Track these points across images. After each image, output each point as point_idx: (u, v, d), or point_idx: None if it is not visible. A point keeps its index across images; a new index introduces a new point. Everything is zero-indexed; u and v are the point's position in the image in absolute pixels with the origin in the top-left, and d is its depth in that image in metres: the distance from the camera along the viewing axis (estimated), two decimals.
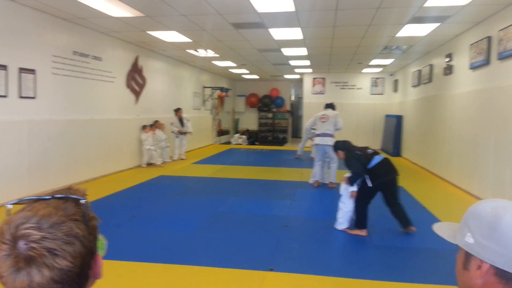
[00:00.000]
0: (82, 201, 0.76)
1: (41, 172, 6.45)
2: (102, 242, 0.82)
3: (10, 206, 0.73)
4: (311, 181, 7.74)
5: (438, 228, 0.95)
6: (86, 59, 7.56)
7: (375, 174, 4.68)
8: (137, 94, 9.64)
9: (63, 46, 6.91)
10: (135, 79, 9.54)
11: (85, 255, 0.73)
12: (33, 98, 6.24)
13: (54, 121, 6.74)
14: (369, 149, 4.95)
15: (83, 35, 7.45)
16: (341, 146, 5.08)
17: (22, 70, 5.97)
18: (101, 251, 0.80)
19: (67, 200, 0.75)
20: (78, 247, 0.71)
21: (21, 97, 6.00)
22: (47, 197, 0.74)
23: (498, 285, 0.79)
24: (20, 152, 6.02)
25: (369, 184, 4.65)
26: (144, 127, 9.73)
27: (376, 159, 4.73)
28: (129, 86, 9.25)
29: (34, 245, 0.67)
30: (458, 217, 0.90)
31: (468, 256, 0.85)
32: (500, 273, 0.79)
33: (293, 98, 20.89)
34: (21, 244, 0.67)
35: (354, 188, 4.73)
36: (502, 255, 0.78)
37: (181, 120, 11.13)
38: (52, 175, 6.68)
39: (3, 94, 5.67)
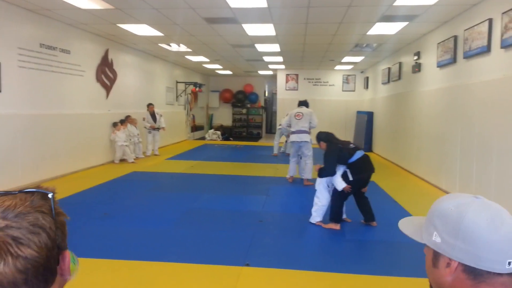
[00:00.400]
0: (50, 195, 0.76)
1: (7, 168, 6.22)
2: (73, 257, 0.81)
3: None
4: (288, 176, 7.81)
5: (403, 226, 0.96)
6: (54, 52, 7.32)
7: (356, 168, 4.76)
8: (107, 88, 9.41)
9: (29, 39, 6.67)
10: (106, 73, 9.31)
11: (51, 248, 0.72)
12: None
13: (20, 116, 6.50)
14: (351, 144, 5.03)
15: (50, 27, 7.20)
16: (324, 137, 5.11)
17: None
18: (72, 268, 0.79)
19: (34, 193, 0.75)
20: (43, 238, 0.70)
21: None
22: (14, 192, 0.74)
23: (466, 281, 0.82)
24: None
25: (350, 178, 4.72)
26: (115, 124, 9.51)
27: (358, 155, 4.81)
28: (99, 80, 9.02)
29: None
30: (426, 211, 0.92)
31: (436, 254, 0.86)
32: (468, 270, 0.81)
33: (267, 94, 20.96)
34: None
35: (344, 184, 4.72)
36: (469, 252, 0.80)
37: (153, 116, 10.97)
38: (19, 171, 6.45)
39: None
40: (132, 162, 9.57)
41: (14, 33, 6.33)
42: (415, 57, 8.61)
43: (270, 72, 16.93)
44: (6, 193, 0.73)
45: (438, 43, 7.29)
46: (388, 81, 11.13)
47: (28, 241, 0.68)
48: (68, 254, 0.78)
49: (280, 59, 12.51)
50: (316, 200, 4.95)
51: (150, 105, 10.89)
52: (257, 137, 19.13)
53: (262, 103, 20.01)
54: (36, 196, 0.75)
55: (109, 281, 3.30)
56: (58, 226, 0.75)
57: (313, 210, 4.95)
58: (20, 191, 0.74)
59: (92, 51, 8.74)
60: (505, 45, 5.03)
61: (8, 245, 0.67)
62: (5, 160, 6.17)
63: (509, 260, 0.78)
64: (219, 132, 17.54)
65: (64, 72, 7.65)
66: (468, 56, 6.08)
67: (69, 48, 7.80)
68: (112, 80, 9.62)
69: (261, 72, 17.23)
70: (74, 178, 7.56)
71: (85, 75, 8.41)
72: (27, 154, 6.65)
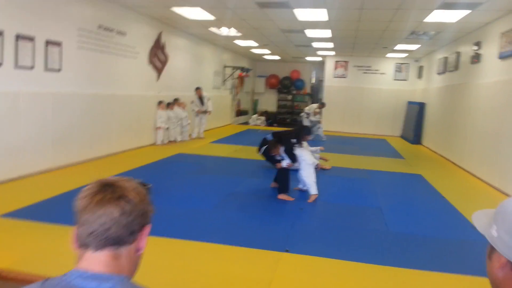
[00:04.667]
0: (149, 185, 1.16)
1: (65, 145, 6.60)
2: None
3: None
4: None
5: (476, 217, 0.95)
6: (111, 34, 7.61)
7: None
8: (159, 71, 9.69)
9: (89, 20, 6.97)
10: (158, 56, 9.57)
11: (142, 210, 0.97)
12: (58, 71, 6.35)
13: (78, 95, 6.86)
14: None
15: (108, 9, 7.49)
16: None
17: (48, 42, 6.06)
18: None
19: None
20: (142, 195, 0.99)
21: (47, 69, 6.12)
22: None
23: None
24: (44, 124, 6.16)
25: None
26: (159, 102, 9.54)
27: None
28: (151, 62, 9.30)
29: (112, 180, 0.99)
30: (476, 208, 0.90)
31: (492, 247, 0.86)
32: None
33: (313, 81, 20.67)
34: (105, 185, 0.99)
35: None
36: None
37: (201, 99, 11.17)
38: (75, 148, 6.82)
39: (29, 65, 5.78)
40: (175, 142, 9.97)
41: (74, 14, 6.64)
42: (475, 47, 8.12)
43: (319, 59, 16.64)
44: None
45: (502, 33, 6.83)
46: (444, 71, 10.60)
47: (132, 191, 0.97)
48: (149, 230, 1.00)
49: (330, 45, 12.25)
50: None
51: (198, 89, 11.07)
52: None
53: (308, 90, 19.78)
54: (139, 181, 1.05)
55: (153, 258, 3.45)
56: (149, 203, 1.01)
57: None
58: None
59: (146, 33, 9.00)
60: None
61: (121, 189, 0.96)
62: (63, 137, 6.54)
63: None
64: (263, 118, 17.57)
65: (119, 53, 7.94)
66: None
67: (125, 30, 8.07)
68: (164, 63, 9.88)
69: (308, 59, 16.98)
70: (124, 157, 7.91)
71: (138, 57, 8.70)
72: (84, 131, 7.02)
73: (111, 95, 7.80)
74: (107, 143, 7.75)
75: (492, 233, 0.85)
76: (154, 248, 3.60)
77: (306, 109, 12.98)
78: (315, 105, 12.83)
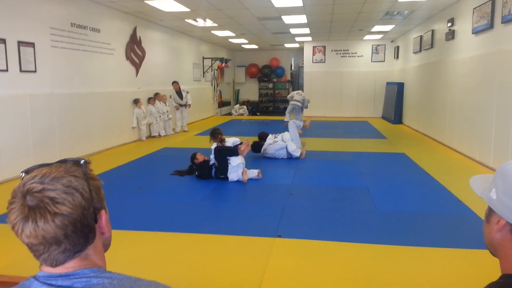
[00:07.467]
0: (81, 162, 0.85)
1: (47, 146, 6.48)
2: None
3: (23, 174, 0.83)
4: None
5: (474, 181, 0.97)
6: (84, 31, 7.45)
7: None
8: (137, 66, 9.54)
9: (60, 18, 6.80)
10: (135, 51, 9.42)
11: (86, 207, 0.81)
12: (34, 72, 6.20)
13: (56, 95, 6.71)
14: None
15: (80, 6, 7.31)
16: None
17: (21, 43, 5.90)
18: None
19: (66, 162, 0.85)
20: (77, 197, 0.80)
21: (22, 71, 5.96)
22: (50, 163, 0.85)
23: None
24: (24, 126, 6.03)
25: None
26: (135, 101, 9.31)
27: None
28: (128, 58, 9.15)
29: (37, 194, 0.77)
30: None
31: (491, 210, 0.89)
32: None
33: (293, 67, 20.69)
34: (28, 197, 0.78)
35: None
36: None
37: (179, 93, 11.05)
38: (57, 149, 6.71)
39: (3, 68, 5.62)
40: (159, 137, 9.96)
41: (45, 13, 6.47)
42: (449, 24, 8.25)
43: (297, 45, 16.64)
44: (42, 165, 0.83)
45: (474, 8, 6.95)
46: (420, 50, 10.75)
47: (63, 200, 0.78)
48: (105, 215, 0.87)
49: (307, 30, 12.26)
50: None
51: (174, 83, 10.90)
52: (284, 112, 19.01)
53: (288, 77, 19.80)
54: (69, 163, 0.85)
55: (146, 252, 3.45)
56: (92, 188, 0.84)
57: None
58: (56, 162, 0.85)
59: (121, 29, 8.83)
60: None
61: (46, 204, 0.77)
62: (43, 139, 6.42)
63: None
64: (245, 107, 17.55)
65: (95, 50, 7.79)
66: (507, 20, 5.78)
67: (99, 26, 7.91)
68: (141, 58, 9.73)
69: (287, 45, 16.97)
70: (108, 155, 7.81)
71: (115, 53, 8.55)
72: (64, 131, 6.89)
73: (90, 93, 7.66)
74: (89, 142, 7.64)
75: (491, 196, 0.88)
76: (147, 242, 3.60)
77: (299, 97, 12.04)
78: (295, 92, 12.56)
